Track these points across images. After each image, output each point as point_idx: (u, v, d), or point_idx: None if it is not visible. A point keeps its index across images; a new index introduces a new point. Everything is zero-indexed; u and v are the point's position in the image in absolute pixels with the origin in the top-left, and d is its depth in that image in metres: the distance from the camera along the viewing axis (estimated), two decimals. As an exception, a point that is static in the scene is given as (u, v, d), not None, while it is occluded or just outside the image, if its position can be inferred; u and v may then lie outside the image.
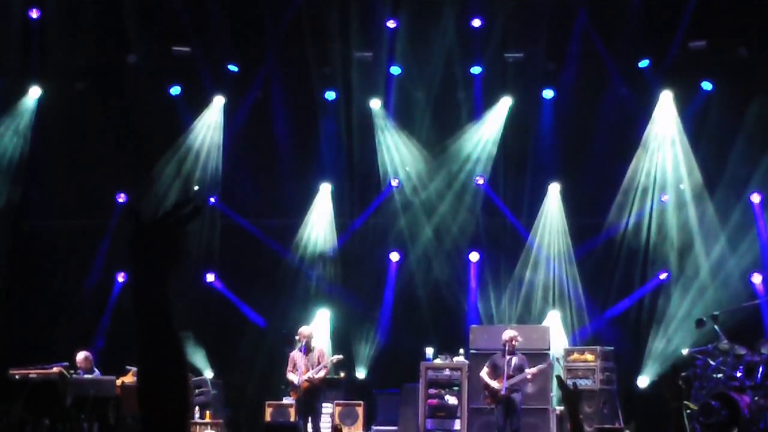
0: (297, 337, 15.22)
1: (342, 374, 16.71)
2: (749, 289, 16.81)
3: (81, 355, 14.62)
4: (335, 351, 17.64)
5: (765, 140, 16.39)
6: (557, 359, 15.46)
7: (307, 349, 14.78)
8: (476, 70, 17.99)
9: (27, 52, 17.94)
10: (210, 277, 18.92)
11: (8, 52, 17.86)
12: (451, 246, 18.14)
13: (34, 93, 18.25)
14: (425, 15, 16.91)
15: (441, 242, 18.11)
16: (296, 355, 14.93)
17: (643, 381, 17.33)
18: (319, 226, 18.95)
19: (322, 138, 18.74)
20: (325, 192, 18.98)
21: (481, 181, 18.50)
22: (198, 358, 18.11)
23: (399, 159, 18.68)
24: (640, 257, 17.27)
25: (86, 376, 14.16)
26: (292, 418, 15.51)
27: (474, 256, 18.39)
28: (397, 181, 18.70)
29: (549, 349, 15.93)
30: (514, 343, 14.61)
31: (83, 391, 13.29)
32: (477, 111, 18.44)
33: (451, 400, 16.02)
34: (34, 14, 17.63)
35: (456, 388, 16.03)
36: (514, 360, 14.60)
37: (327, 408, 16.14)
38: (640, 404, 16.79)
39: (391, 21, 17.80)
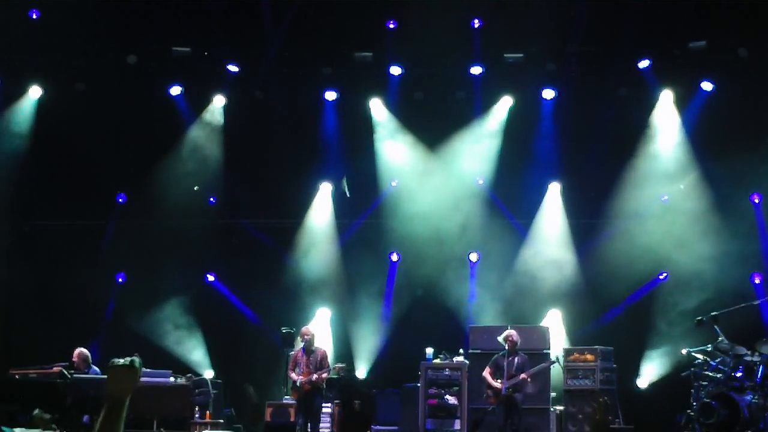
0: (299, 336, 15.25)
1: (342, 374, 16.68)
2: (749, 289, 16.81)
3: (77, 352, 14.60)
4: (336, 350, 17.67)
5: (765, 140, 16.38)
6: (558, 359, 15.45)
7: (309, 350, 14.77)
8: (476, 70, 17.99)
9: (27, 52, 17.94)
10: (210, 278, 18.95)
11: (8, 52, 17.86)
12: (451, 246, 18.13)
13: (34, 93, 18.26)
14: (425, 14, 16.89)
15: (441, 242, 18.10)
16: (298, 354, 14.94)
17: (643, 381, 17.34)
18: (319, 226, 18.97)
19: (322, 138, 18.75)
20: (325, 192, 19.00)
21: (481, 181, 18.51)
22: (198, 358, 18.14)
23: (399, 159, 18.68)
24: (640, 257, 17.26)
25: (82, 375, 14.08)
26: (292, 418, 15.51)
27: (474, 256, 18.40)
28: (396, 181, 18.72)
29: (549, 349, 15.95)
30: (509, 343, 14.58)
31: (83, 391, 13.26)
32: (477, 111, 18.44)
33: (451, 400, 16.02)
34: (34, 15, 17.62)
35: (456, 388, 16.03)
36: (516, 360, 14.60)
37: (327, 408, 16.15)
38: (640, 404, 16.80)
39: (391, 22, 17.81)
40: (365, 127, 18.64)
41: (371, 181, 18.74)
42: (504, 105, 18.36)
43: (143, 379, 14.12)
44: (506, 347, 14.60)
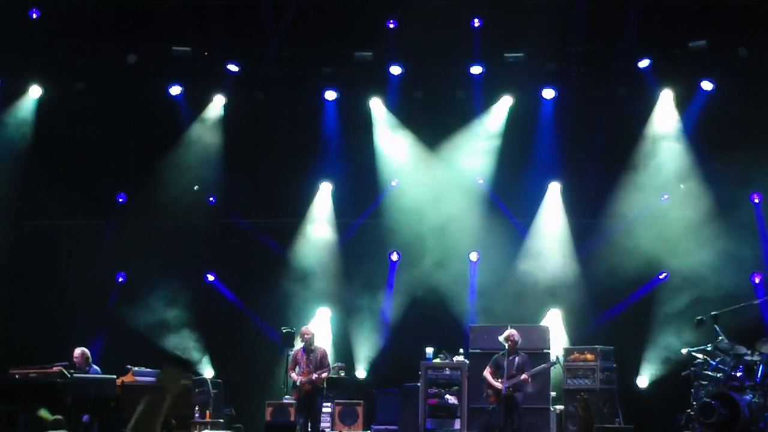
0: (299, 336, 15.26)
1: (342, 374, 16.69)
2: (749, 288, 16.81)
3: (78, 351, 14.59)
4: (335, 350, 17.66)
5: (765, 140, 16.38)
6: (558, 359, 15.45)
7: (308, 349, 14.77)
8: (476, 69, 17.98)
9: (27, 52, 17.94)
10: (210, 277, 18.95)
11: (8, 52, 17.86)
12: (451, 246, 18.13)
13: (34, 92, 18.26)
14: (425, 14, 16.89)
15: (441, 242, 18.09)
16: (298, 353, 14.95)
17: (643, 380, 17.34)
18: (319, 225, 18.96)
19: (322, 137, 18.75)
20: (325, 191, 19.00)
21: (481, 181, 18.50)
22: (198, 357, 18.13)
23: (399, 158, 18.68)
24: (640, 257, 17.26)
25: (82, 375, 14.07)
26: (292, 418, 15.51)
27: (474, 256, 18.40)
28: (396, 180, 18.71)
29: (549, 349, 15.94)
30: (510, 342, 14.59)
31: (83, 391, 13.25)
32: (477, 111, 18.44)
33: (451, 399, 16.02)
34: (34, 15, 17.62)
35: (456, 388, 16.03)
36: (517, 360, 14.60)
37: (327, 408, 16.15)
38: (640, 404, 16.80)
39: (391, 22, 17.81)
40: (365, 126, 18.64)
41: (371, 181, 18.74)
42: (504, 104, 18.36)
43: (142, 378, 14.05)
44: (507, 347, 14.60)
